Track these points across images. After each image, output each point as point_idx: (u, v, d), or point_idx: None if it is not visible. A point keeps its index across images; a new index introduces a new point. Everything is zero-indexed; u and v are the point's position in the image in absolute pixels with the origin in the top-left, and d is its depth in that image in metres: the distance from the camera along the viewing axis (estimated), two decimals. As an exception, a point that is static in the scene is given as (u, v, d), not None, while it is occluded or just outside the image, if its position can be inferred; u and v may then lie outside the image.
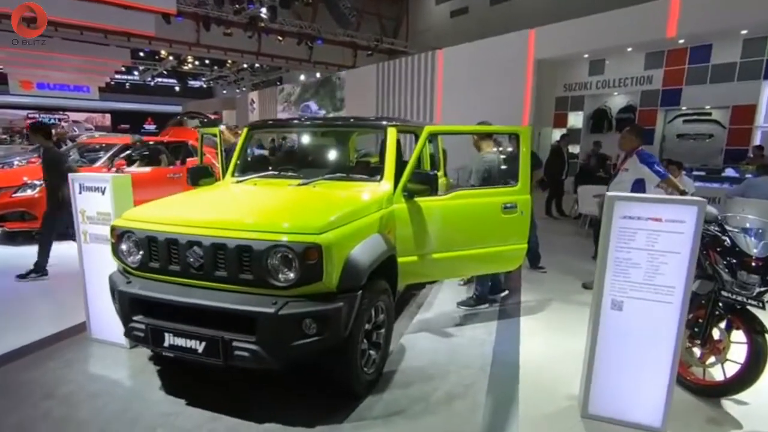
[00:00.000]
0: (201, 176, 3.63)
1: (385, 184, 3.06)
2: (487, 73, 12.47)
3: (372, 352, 2.68)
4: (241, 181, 3.36)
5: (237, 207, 2.63)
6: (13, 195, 5.91)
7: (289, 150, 3.98)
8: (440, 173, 4.92)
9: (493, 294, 4.15)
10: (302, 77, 24.70)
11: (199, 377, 2.75)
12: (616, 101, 11.80)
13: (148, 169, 7.35)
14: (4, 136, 19.42)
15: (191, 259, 2.32)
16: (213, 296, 2.26)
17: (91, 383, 2.71)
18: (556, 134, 11.79)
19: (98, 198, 3.03)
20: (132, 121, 31.40)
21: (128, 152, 7.12)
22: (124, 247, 2.51)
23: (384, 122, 3.32)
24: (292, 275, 2.19)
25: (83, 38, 18.56)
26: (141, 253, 2.44)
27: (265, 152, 9.15)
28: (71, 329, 3.37)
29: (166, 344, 2.31)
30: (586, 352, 2.45)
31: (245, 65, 25.95)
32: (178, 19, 16.73)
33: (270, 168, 3.66)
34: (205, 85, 33.69)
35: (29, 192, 5.93)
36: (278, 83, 26.28)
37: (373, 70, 17.32)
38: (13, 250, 5.82)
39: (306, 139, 3.91)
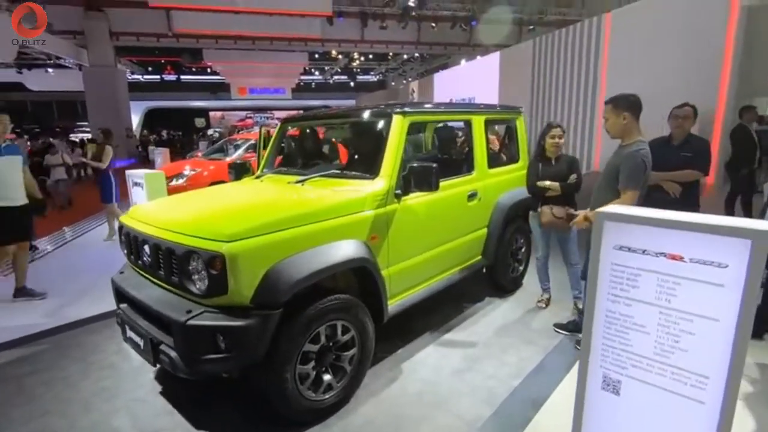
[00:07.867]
0: (242, 172, 3.76)
1: (379, 183, 2.63)
2: (667, 34, 9.87)
3: (327, 377, 2.35)
4: (258, 177, 3.35)
5: (197, 207, 2.59)
6: (170, 183, 7.28)
7: (310, 144, 3.80)
8: (520, 164, 4.07)
9: None
10: (463, 61, 24.09)
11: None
12: None
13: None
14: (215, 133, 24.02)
15: (144, 258, 2.38)
16: (151, 295, 2.28)
17: (114, 355, 3.10)
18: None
19: (140, 192, 3.42)
20: (318, 115, 36.06)
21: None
22: (123, 239, 2.75)
23: (390, 110, 2.84)
24: (203, 284, 2.04)
25: (272, 47, 21.92)
26: (125, 245, 2.64)
27: None
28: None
29: (126, 335, 2.44)
30: (568, 444, 1.64)
31: (405, 56, 26.71)
32: (339, 19, 18.25)
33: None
34: (375, 79, 36.05)
35: (180, 181, 7.23)
36: (440, 71, 26.28)
37: (529, 46, 15.65)
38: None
39: (323, 132, 3.71)
